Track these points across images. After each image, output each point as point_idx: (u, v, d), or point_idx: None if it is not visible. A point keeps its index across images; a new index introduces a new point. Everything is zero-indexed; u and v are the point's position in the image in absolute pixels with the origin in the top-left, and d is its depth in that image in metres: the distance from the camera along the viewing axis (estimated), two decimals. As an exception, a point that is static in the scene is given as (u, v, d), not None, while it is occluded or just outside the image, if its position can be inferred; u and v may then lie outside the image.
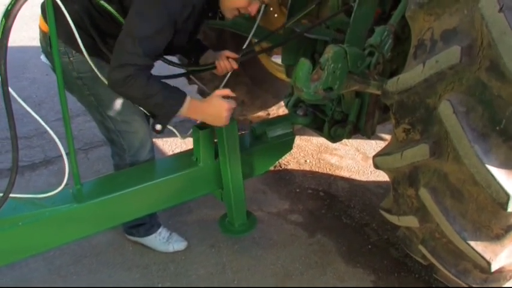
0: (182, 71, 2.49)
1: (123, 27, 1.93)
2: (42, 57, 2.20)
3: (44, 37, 2.12)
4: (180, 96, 2.01)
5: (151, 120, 2.20)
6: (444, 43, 1.62)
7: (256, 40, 2.63)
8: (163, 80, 2.03)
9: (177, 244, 2.73)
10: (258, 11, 2.78)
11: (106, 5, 1.95)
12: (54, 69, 2.15)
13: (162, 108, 2.00)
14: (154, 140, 3.73)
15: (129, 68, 1.88)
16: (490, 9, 1.42)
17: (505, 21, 1.39)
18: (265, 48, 2.76)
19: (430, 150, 1.69)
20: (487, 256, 1.69)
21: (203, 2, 2.02)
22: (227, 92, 2.12)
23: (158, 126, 2.03)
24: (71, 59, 2.06)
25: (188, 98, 2.03)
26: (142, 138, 2.34)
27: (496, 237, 1.68)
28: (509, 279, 1.83)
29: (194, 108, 2.05)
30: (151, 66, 1.98)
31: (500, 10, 1.40)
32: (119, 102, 2.20)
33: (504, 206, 1.52)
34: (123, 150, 2.35)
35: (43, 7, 2.07)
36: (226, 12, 2.13)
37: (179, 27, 1.96)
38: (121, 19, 1.98)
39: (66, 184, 1.99)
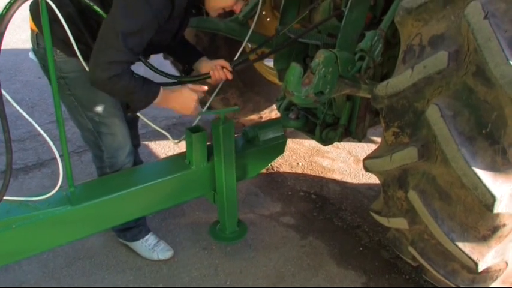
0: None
1: (105, 24, 1.93)
2: (30, 54, 2.23)
3: (33, 36, 2.16)
4: (156, 89, 2.10)
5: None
6: (432, 48, 1.66)
7: (250, 45, 2.65)
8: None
9: (162, 253, 2.71)
10: (250, 14, 2.81)
11: (95, 7, 1.95)
12: (41, 66, 2.20)
13: (141, 102, 2.09)
14: (147, 143, 3.77)
15: (115, 66, 1.92)
16: (476, 17, 1.46)
17: (489, 28, 1.43)
18: (259, 56, 2.76)
19: (419, 153, 1.73)
20: (475, 257, 1.73)
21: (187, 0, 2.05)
22: (197, 87, 2.23)
23: (129, 114, 2.23)
24: (55, 58, 2.07)
25: (162, 90, 2.11)
26: (120, 141, 2.36)
27: (483, 238, 1.72)
28: (496, 279, 1.86)
29: (166, 98, 2.14)
30: (134, 62, 2.03)
31: (485, 17, 1.44)
32: (98, 104, 2.22)
33: (490, 207, 1.56)
34: (101, 152, 2.37)
35: (32, 7, 2.10)
36: (211, 11, 2.17)
37: (162, 24, 1.98)
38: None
39: (60, 187, 2.00)
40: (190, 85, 2.23)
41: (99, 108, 2.22)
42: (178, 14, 2.05)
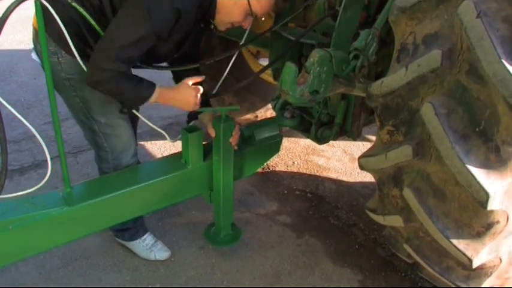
0: None
1: (106, 31, 1.96)
2: (33, 55, 2.21)
3: (36, 35, 2.13)
4: (149, 90, 2.09)
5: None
6: (426, 47, 1.68)
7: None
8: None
9: (160, 253, 2.72)
10: None
11: (81, 9, 1.94)
12: (43, 67, 2.18)
13: (131, 101, 2.12)
14: (143, 143, 3.78)
15: (104, 73, 1.95)
16: (468, 15, 1.47)
17: (482, 26, 1.45)
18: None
19: (413, 151, 1.74)
20: (469, 253, 1.74)
21: (195, 14, 2.04)
22: (197, 79, 2.22)
23: (125, 111, 2.20)
24: (60, 59, 2.08)
25: (156, 90, 2.10)
26: (125, 143, 2.36)
27: (477, 235, 1.73)
28: (490, 276, 1.88)
29: (163, 96, 2.14)
30: (125, 72, 2.02)
31: (478, 16, 1.45)
32: (104, 106, 2.22)
33: (484, 204, 1.57)
34: (106, 153, 2.37)
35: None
36: (219, 26, 2.17)
37: (164, 36, 1.99)
38: (98, 28, 1.99)
39: (56, 187, 2.00)
40: (188, 80, 2.20)
41: (105, 110, 2.23)
42: (184, 26, 2.04)
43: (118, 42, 1.92)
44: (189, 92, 2.18)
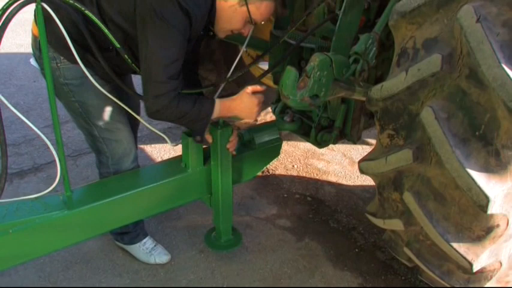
0: None
1: (144, 57, 1.94)
2: (32, 61, 2.22)
3: (35, 41, 2.14)
4: (209, 106, 2.11)
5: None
6: (426, 51, 1.68)
7: (245, 49, 2.65)
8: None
9: (159, 257, 2.72)
10: None
11: (88, 11, 1.90)
12: (43, 73, 2.16)
13: (196, 123, 2.12)
14: (143, 146, 3.78)
15: (162, 98, 1.96)
16: (468, 20, 1.48)
17: (482, 31, 1.45)
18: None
19: (414, 155, 1.74)
20: (469, 257, 1.74)
21: (204, 21, 2.04)
22: (257, 88, 2.20)
23: (198, 138, 2.20)
24: (59, 65, 2.08)
25: (217, 103, 2.12)
26: (125, 147, 2.36)
27: (477, 239, 1.73)
28: (490, 279, 1.88)
29: (225, 109, 2.16)
30: (179, 87, 2.02)
31: (478, 21, 1.46)
32: (103, 111, 2.23)
33: (484, 208, 1.58)
34: (106, 158, 2.37)
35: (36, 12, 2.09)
36: (219, 33, 2.18)
37: (188, 35, 1.99)
38: (109, 34, 1.96)
39: (57, 183, 1.99)
40: (249, 88, 2.19)
41: (104, 115, 2.23)
42: (194, 32, 2.04)
43: (161, 64, 1.92)
44: (252, 101, 2.17)
